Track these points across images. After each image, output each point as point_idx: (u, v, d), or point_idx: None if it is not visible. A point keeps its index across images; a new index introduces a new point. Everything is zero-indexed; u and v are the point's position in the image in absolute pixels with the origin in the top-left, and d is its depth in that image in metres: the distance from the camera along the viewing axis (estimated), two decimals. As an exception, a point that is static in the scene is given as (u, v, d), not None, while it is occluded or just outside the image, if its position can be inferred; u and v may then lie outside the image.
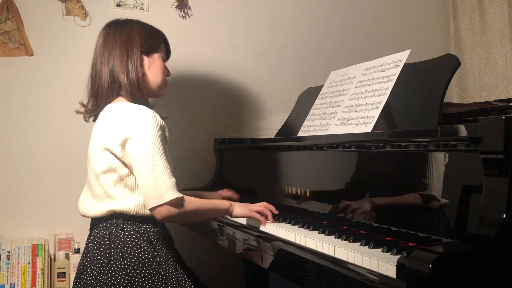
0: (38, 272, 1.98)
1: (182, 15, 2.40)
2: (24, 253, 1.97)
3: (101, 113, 1.50)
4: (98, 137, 1.45)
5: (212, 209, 1.55)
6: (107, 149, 1.40)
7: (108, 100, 1.50)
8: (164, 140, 1.44)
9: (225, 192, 1.89)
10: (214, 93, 2.46)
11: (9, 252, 1.96)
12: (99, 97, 1.52)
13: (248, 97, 2.53)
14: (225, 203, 1.57)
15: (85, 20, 2.23)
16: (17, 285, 1.96)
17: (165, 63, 1.63)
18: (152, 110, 1.42)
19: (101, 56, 1.52)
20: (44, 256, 1.99)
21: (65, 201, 2.16)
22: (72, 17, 2.21)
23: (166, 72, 1.62)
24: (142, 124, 1.38)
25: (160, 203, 1.35)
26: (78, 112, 1.59)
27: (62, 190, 2.16)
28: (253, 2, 2.55)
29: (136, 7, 2.31)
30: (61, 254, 2.04)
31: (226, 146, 2.21)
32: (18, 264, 1.97)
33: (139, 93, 1.50)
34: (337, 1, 2.74)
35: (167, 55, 1.66)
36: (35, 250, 1.98)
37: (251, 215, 1.55)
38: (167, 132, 1.46)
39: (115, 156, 1.39)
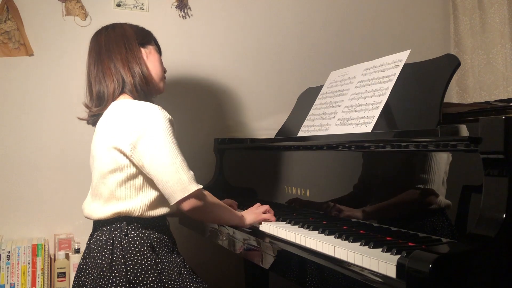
0: (38, 272, 1.98)
1: (182, 15, 2.40)
2: (24, 253, 1.97)
3: (105, 111, 1.47)
4: (104, 135, 1.42)
5: (228, 210, 1.54)
6: (116, 148, 1.37)
7: (113, 99, 1.48)
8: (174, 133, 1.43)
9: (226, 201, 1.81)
10: (214, 93, 2.46)
11: (9, 252, 1.95)
12: (104, 99, 1.48)
13: (248, 97, 2.53)
14: (237, 212, 1.58)
15: (85, 20, 2.23)
16: (17, 285, 1.96)
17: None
18: (158, 106, 1.41)
19: (99, 61, 1.50)
20: (44, 256, 1.99)
21: (65, 201, 2.16)
22: (72, 17, 2.21)
23: (162, 65, 1.63)
24: (153, 120, 1.36)
25: (186, 194, 1.35)
26: (81, 118, 1.57)
27: (62, 190, 2.16)
28: (253, 2, 2.55)
29: (136, 7, 2.30)
30: (61, 254, 2.04)
31: (226, 146, 2.21)
32: (18, 264, 1.97)
33: (146, 87, 1.51)
34: (336, 1, 2.74)
35: (159, 51, 1.65)
36: (35, 250, 1.98)
37: (261, 218, 1.57)
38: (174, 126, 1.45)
39: (124, 154, 1.37)
